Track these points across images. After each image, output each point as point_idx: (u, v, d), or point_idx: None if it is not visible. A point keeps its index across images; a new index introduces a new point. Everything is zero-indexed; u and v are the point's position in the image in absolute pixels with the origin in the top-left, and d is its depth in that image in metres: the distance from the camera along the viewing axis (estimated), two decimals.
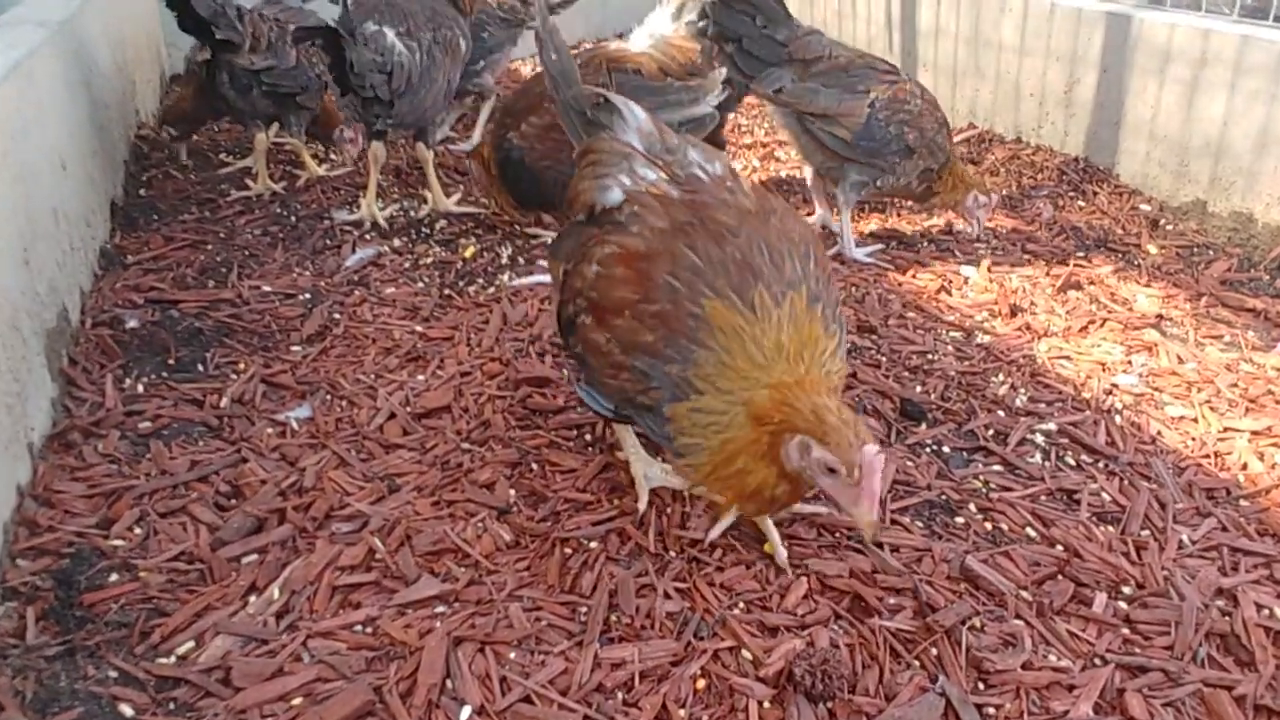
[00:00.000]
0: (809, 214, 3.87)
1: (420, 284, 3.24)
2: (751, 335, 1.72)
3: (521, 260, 3.48)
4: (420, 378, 2.65)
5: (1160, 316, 3.14)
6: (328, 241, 3.53)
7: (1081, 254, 3.62)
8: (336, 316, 2.97)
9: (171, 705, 1.64)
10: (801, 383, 1.68)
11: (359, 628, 1.80)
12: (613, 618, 1.84)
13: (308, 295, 3.09)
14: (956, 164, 3.58)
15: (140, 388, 2.53)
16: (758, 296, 1.75)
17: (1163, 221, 3.90)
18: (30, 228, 2.42)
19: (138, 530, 2.01)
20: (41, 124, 2.71)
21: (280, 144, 4.40)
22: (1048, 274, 3.45)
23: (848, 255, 3.52)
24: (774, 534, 2.01)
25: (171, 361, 2.66)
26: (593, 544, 2.02)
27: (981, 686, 1.72)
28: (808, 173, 3.85)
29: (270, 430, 2.38)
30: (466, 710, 1.63)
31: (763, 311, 1.74)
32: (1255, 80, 3.61)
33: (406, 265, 3.37)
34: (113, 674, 1.68)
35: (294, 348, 2.78)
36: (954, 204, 3.61)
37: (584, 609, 1.86)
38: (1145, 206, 4.02)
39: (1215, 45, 3.75)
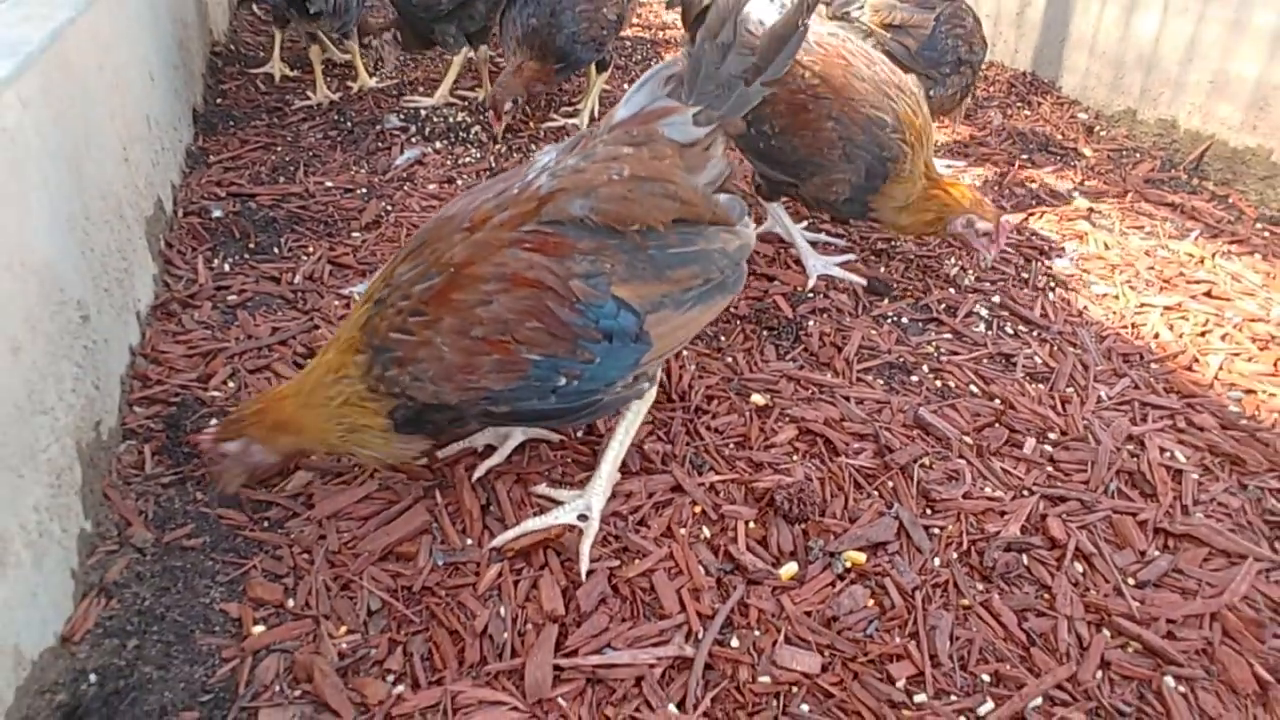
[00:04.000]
0: None
1: (460, 181, 3.17)
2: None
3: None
4: None
5: (1091, 210, 3.09)
6: (379, 144, 3.44)
7: (1026, 156, 3.54)
8: (388, 208, 2.92)
9: (265, 522, 1.68)
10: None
11: (418, 461, 1.82)
12: (626, 457, 1.84)
13: (364, 190, 3.03)
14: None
15: (226, 267, 2.51)
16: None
17: (1097, 128, 3.79)
18: (127, 131, 2.36)
19: (230, 384, 2.02)
20: (131, 41, 2.60)
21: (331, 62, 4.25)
22: (997, 173, 3.37)
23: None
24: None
25: (251, 245, 2.64)
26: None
27: (929, 512, 1.76)
28: None
29: (337, 302, 2.37)
30: (504, 530, 1.66)
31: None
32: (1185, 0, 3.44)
33: (447, 164, 3.29)
34: (217, 496, 1.71)
35: (354, 234, 2.75)
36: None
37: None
38: (1083, 115, 3.91)
39: None
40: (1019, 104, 4.07)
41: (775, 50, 1.56)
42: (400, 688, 1.39)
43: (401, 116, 3.67)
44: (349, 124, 3.61)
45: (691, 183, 1.54)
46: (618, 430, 1.71)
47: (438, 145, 3.45)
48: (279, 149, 3.33)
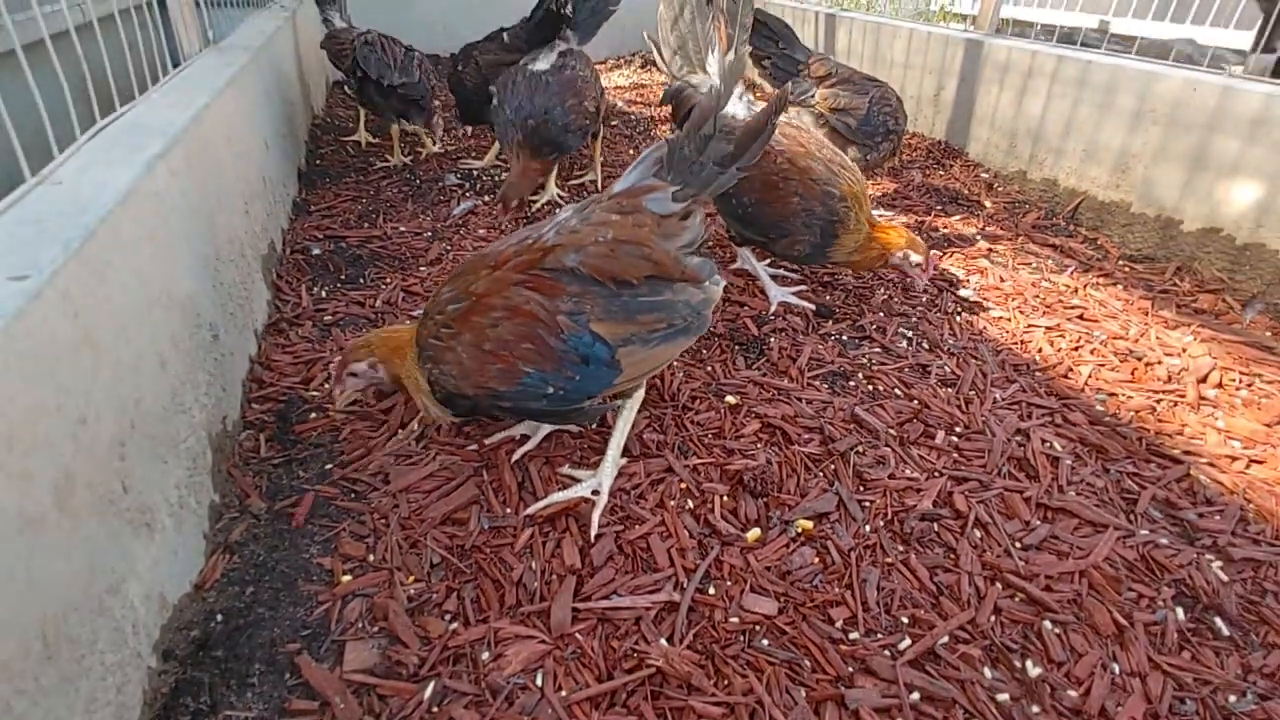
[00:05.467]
0: None
1: (502, 228, 3.17)
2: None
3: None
4: None
5: (990, 250, 3.07)
6: (441, 197, 3.43)
7: (940, 207, 3.51)
8: (448, 248, 2.91)
9: (353, 494, 1.69)
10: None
11: (470, 446, 1.83)
12: (629, 445, 1.85)
13: (429, 234, 3.03)
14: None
15: (323, 294, 2.51)
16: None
17: (996, 185, 3.76)
18: (248, 188, 2.36)
19: (326, 386, 2.02)
20: (251, 118, 2.61)
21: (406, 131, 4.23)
22: (917, 220, 3.36)
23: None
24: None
25: (342, 277, 2.63)
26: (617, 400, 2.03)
27: (862, 489, 1.76)
28: None
29: (409, 321, 2.36)
30: (535, 501, 1.67)
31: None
32: (1064, 87, 3.41)
33: (494, 214, 3.29)
34: (315, 475, 1.72)
35: (422, 268, 2.74)
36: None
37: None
38: (985, 175, 3.88)
39: (1039, 62, 3.53)
40: (935, 166, 4.04)
41: (750, 142, 1.52)
42: (455, 624, 1.39)
43: (458, 176, 3.67)
44: (418, 181, 3.61)
45: (664, 247, 1.51)
46: (617, 427, 1.72)
47: (486, 199, 3.45)
48: (364, 201, 3.32)
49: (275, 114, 3.12)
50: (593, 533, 1.58)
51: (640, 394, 1.73)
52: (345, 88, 4.02)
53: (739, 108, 2.39)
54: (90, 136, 1.60)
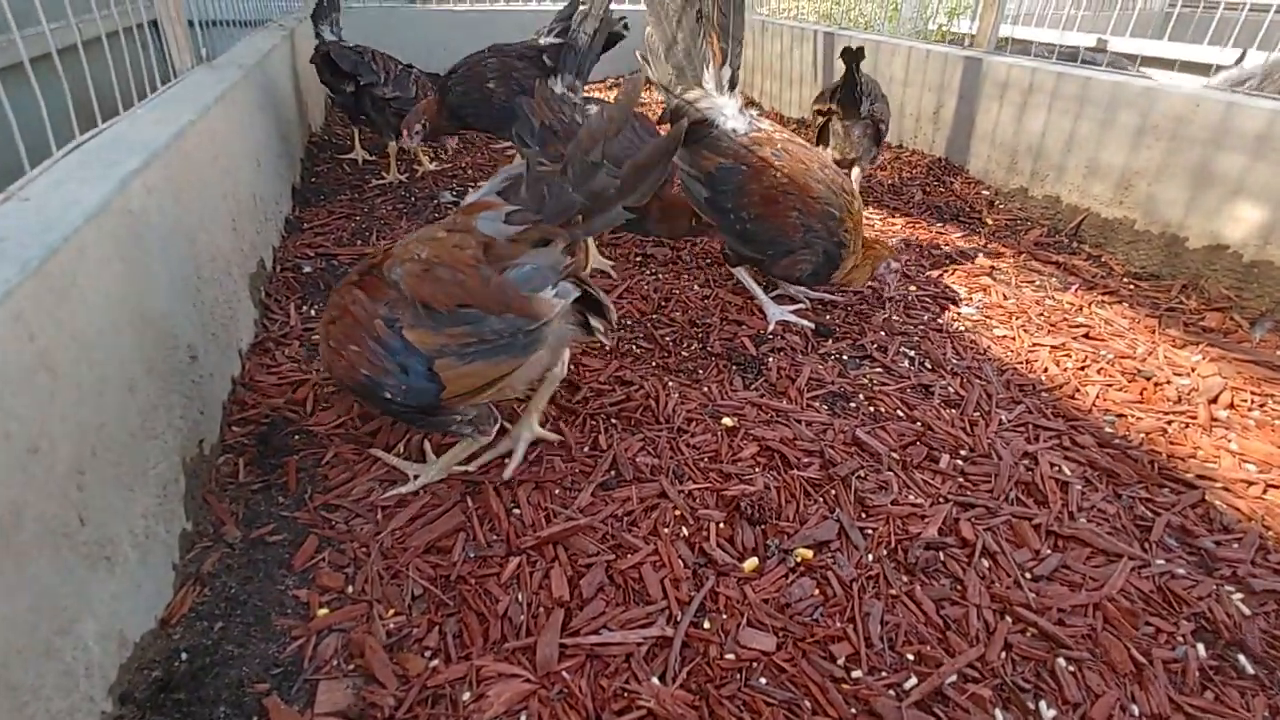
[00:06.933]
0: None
1: None
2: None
3: None
4: None
5: (992, 267, 3.01)
6: (436, 215, 3.39)
7: (941, 225, 3.47)
8: None
9: (331, 520, 1.61)
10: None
11: (456, 469, 1.76)
12: (621, 470, 1.79)
13: None
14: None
15: (313, 312, 2.45)
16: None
17: (997, 202, 3.72)
18: (237, 206, 2.31)
19: (309, 407, 1.96)
20: (242, 136, 2.57)
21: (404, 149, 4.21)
22: (918, 238, 3.30)
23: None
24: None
25: None
26: (613, 420, 1.97)
27: (864, 516, 1.68)
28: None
29: None
30: (526, 527, 1.59)
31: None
32: (1065, 104, 3.37)
33: None
34: (294, 502, 1.65)
35: None
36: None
37: (604, 462, 1.80)
38: (986, 192, 3.83)
39: (1039, 79, 3.50)
40: (936, 183, 4.00)
41: (637, 181, 1.37)
42: (435, 661, 1.31)
43: (453, 193, 3.63)
44: (413, 198, 3.57)
45: (485, 274, 1.38)
46: (452, 451, 1.72)
47: None
48: (358, 218, 3.28)
49: (268, 131, 3.08)
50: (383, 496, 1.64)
51: (483, 439, 1.65)
52: (338, 105, 4.01)
53: (740, 123, 2.35)
54: (66, 152, 1.55)
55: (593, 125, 1.34)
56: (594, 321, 1.58)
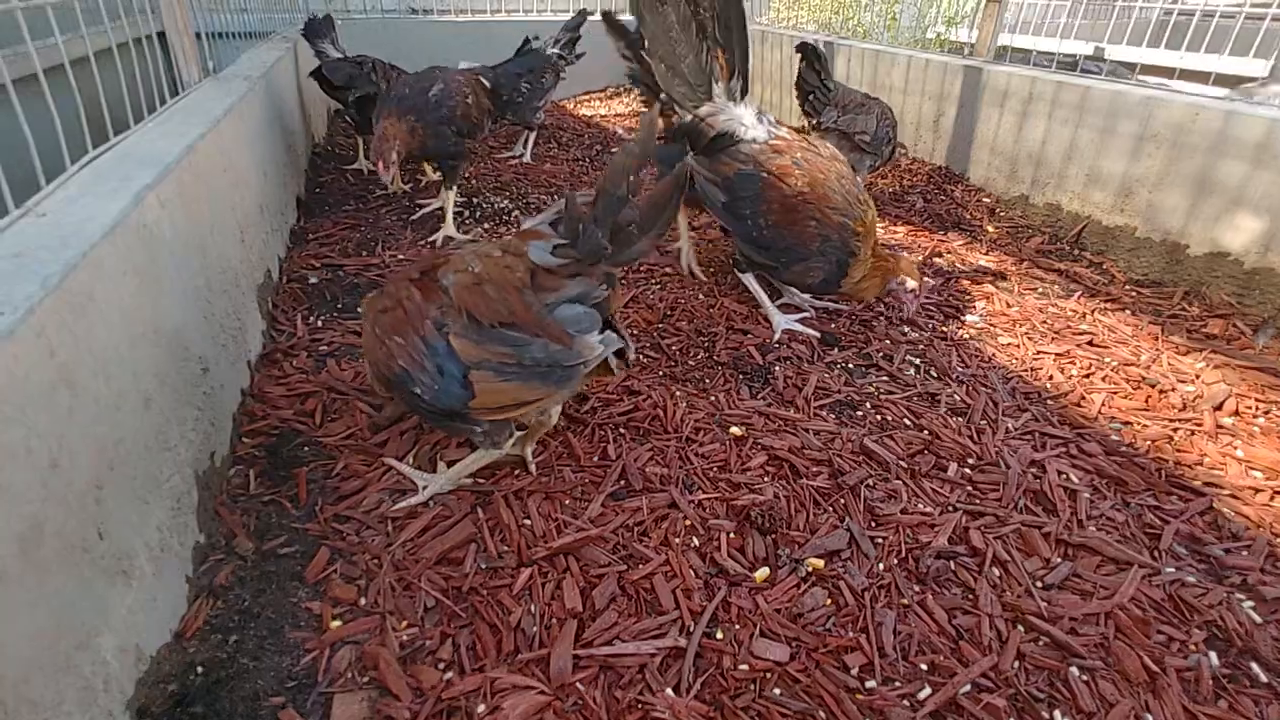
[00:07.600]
0: None
1: None
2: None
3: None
4: None
5: (995, 275, 3.03)
6: (440, 224, 3.40)
7: (942, 233, 3.48)
8: None
9: (342, 532, 1.61)
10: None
11: (465, 481, 1.77)
12: (631, 480, 1.79)
13: None
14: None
15: (319, 323, 2.46)
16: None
17: (998, 210, 3.74)
18: (244, 218, 2.32)
19: (319, 418, 1.97)
20: (249, 148, 2.58)
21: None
22: (920, 246, 3.32)
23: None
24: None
25: (339, 306, 2.59)
26: (621, 430, 1.97)
27: (874, 525, 1.69)
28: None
29: None
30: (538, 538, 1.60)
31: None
32: (1065, 112, 3.40)
33: (493, 240, 3.26)
34: (305, 513, 1.65)
35: None
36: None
37: (614, 472, 1.81)
38: (986, 199, 3.86)
39: (1039, 88, 3.53)
40: (937, 192, 4.02)
41: (656, 215, 1.43)
42: (449, 674, 1.31)
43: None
44: (417, 209, 3.58)
45: (527, 299, 1.45)
46: (463, 462, 1.74)
47: (485, 226, 3.42)
48: (362, 229, 3.29)
49: (274, 143, 3.09)
50: (394, 507, 1.65)
51: (498, 453, 1.68)
52: (346, 116, 4.01)
53: (760, 130, 2.36)
54: (80, 167, 1.56)
55: (616, 162, 1.38)
56: (612, 361, 1.61)
